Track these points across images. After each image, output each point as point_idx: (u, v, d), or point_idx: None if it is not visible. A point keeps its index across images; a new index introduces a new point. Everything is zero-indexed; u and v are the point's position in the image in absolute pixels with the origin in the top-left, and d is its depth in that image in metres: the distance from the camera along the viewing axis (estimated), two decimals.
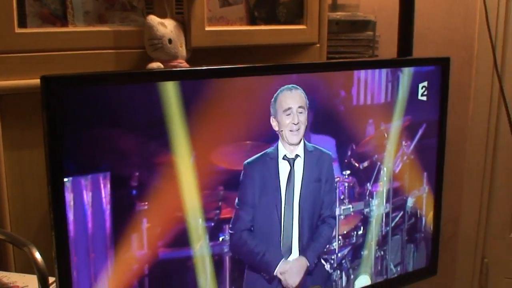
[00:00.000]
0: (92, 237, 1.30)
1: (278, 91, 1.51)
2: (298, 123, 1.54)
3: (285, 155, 1.55)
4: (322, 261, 1.68)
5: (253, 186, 1.52)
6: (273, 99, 1.51)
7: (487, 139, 2.57)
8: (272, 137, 1.54)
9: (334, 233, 1.69)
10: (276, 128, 1.53)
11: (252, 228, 1.53)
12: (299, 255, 1.61)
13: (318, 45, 1.96)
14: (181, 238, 1.44)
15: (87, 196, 1.28)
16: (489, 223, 2.65)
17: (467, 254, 2.70)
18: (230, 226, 1.50)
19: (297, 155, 1.56)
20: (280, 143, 1.54)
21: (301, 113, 1.54)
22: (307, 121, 1.56)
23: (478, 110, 2.55)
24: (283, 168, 1.55)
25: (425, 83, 1.83)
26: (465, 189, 2.64)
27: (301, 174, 1.58)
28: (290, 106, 1.52)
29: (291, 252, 1.59)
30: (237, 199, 1.50)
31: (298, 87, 1.54)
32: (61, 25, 1.60)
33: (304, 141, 1.57)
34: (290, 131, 1.53)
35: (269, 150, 1.53)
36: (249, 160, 1.51)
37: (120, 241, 1.34)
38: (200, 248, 1.47)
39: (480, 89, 2.54)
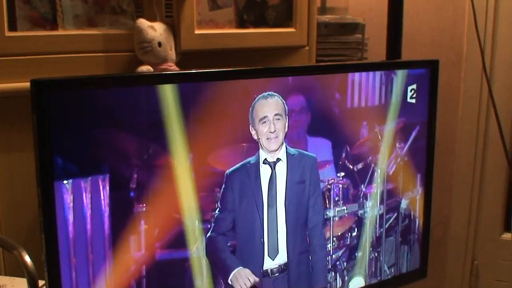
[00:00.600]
0: (90, 239, 1.31)
1: (255, 100, 1.51)
2: (275, 131, 1.54)
3: (265, 159, 1.55)
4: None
5: (235, 194, 1.52)
6: (250, 108, 1.51)
7: (477, 140, 2.58)
8: (253, 145, 1.54)
9: (327, 235, 1.70)
10: (255, 137, 1.53)
11: (227, 234, 1.53)
12: (287, 257, 1.61)
13: (307, 47, 1.97)
14: (178, 240, 1.44)
15: (83, 199, 1.29)
16: (479, 225, 2.66)
17: (458, 256, 2.70)
18: (210, 230, 1.51)
19: (278, 159, 1.57)
20: (260, 150, 1.55)
21: (278, 119, 1.54)
22: (286, 127, 1.57)
23: (467, 111, 2.57)
24: (265, 172, 1.56)
25: (414, 86, 1.84)
26: (455, 190, 2.65)
27: (284, 177, 1.58)
28: (266, 114, 1.52)
29: (278, 253, 1.60)
30: (218, 206, 1.51)
31: (274, 94, 1.54)
32: (51, 28, 1.60)
33: (286, 146, 1.57)
34: (267, 139, 1.53)
35: (250, 158, 1.54)
36: (231, 169, 1.51)
37: (118, 243, 1.35)
38: (197, 250, 1.48)
39: (469, 91, 2.55)
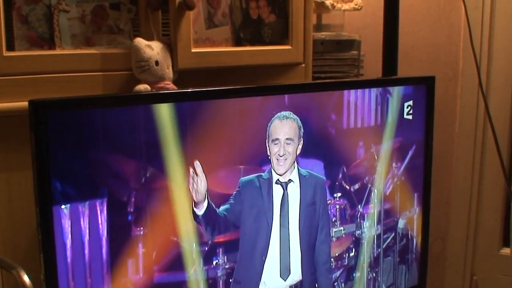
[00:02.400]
0: (88, 263, 1.30)
1: (273, 117, 1.52)
2: (284, 154, 1.55)
3: (278, 180, 1.56)
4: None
5: (244, 205, 1.53)
6: (269, 123, 1.52)
7: (474, 156, 2.58)
8: (266, 161, 1.55)
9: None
10: (268, 153, 1.54)
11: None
12: (302, 276, 1.61)
13: (303, 65, 1.97)
14: (176, 262, 1.44)
15: (81, 223, 1.29)
16: (477, 240, 2.66)
17: (457, 271, 2.70)
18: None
19: (290, 180, 1.58)
20: (272, 169, 1.55)
21: (288, 144, 1.55)
22: (299, 150, 1.58)
23: (464, 126, 2.57)
24: (277, 192, 1.56)
25: (410, 102, 1.84)
26: (453, 205, 2.65)
27: (296, 197, 1.59)
28: (278, 137, 1.53)
29: (289, 273, 1.60)
30: (225, 211, 1.51)
31: (291, 115, 1.54)
32: (48, 48, 1.61)
33: (297, 167, 1.58)
34: (277, 159, 1.55)
35: (263, 173, 1.54)
36: (245, 178, 1.52)
37: (116, 266, 1.35)
38: (195, 272, 1.48)
39: (465, 106, 2.55)
